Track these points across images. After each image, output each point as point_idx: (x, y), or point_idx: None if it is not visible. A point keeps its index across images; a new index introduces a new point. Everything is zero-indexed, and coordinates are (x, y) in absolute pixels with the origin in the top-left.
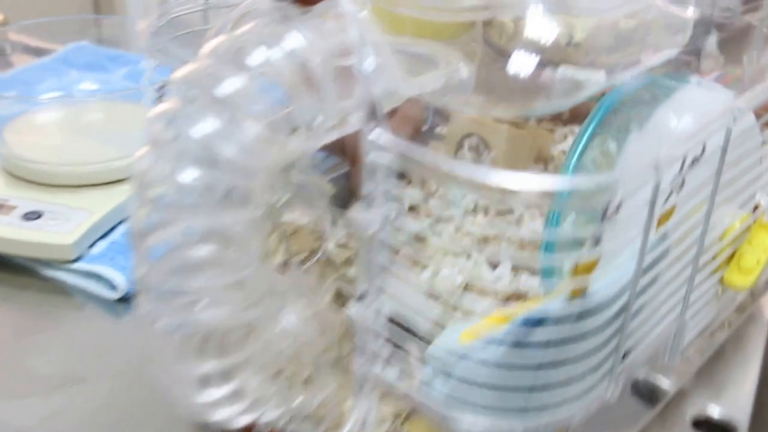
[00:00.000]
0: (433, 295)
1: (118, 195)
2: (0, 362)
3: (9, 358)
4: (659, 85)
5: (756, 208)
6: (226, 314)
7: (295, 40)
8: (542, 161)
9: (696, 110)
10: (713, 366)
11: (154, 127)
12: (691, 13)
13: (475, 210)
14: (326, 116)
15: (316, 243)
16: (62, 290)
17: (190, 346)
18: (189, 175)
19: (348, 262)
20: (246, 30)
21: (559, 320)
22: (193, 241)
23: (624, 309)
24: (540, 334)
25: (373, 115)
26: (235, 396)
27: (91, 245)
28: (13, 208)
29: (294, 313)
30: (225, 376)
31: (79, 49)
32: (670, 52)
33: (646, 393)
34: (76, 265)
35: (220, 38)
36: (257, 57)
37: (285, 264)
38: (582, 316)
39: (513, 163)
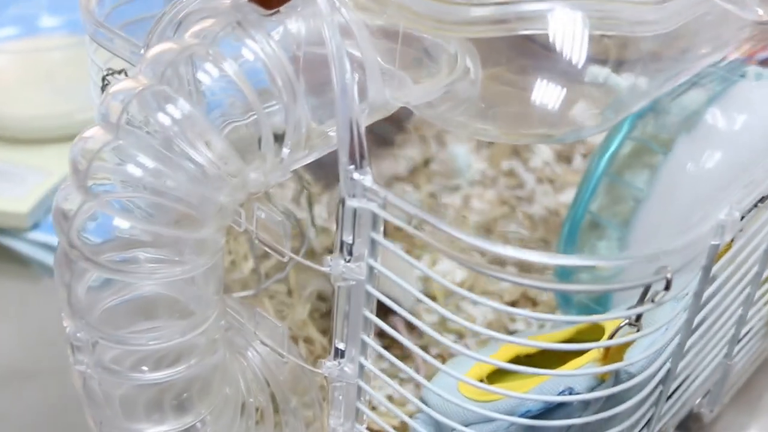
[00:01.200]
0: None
1: None
2: None
3: None
4: (713, 77)
5: None
6: (185, 369)
7: (256, 50)
8: None
9: (752, 112)
10: (748, 388)
11: (77, 152)
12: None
13: (482, 183)
14: (295, 146)
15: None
16: (18, 260)
17: (141, 404)
18: (122, 223)
19: (330, 249)
20: (196, 34)
21: (585, 404)
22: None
23: (663, 380)
24: (559, 417)
25: (354, 146)
26: None
27: (49, 211)
28: None
29: (259, 349)
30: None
31: None
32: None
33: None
34: (33, 235)
35: (166, 45)
36: (209, 73)
37: (254, 273)
38: (615, 397)
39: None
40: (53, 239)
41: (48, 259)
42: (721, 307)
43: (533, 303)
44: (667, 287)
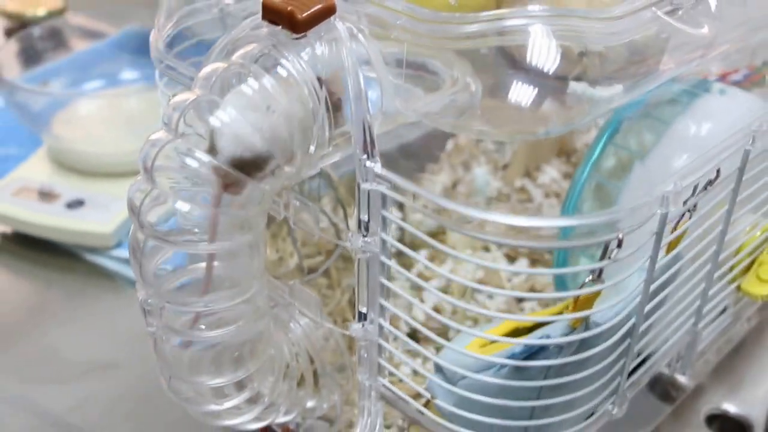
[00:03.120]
0: (449, 292)
1: None
2: (42, 347)
3: (50, 343)
4: (680, 91)
5: None
6: (234, 330)
7: (289, 67)
8: (564, 154)
9: (717, 120)
10: (731, 360)
11: (147, 152)
12: (706, 30)
13: (498, 199)
14: (320, 145)
15: (329, 244)
16: (104, 274)
17: (203, 361)
18: (183, 206)
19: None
20: (239, 56)
21: (559, 349)
22: (194, 260)
23: (630, 333)
24: (540, 361)
25: (366, 141)
26: (248, 403)
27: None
28: (57, 196)
29: (301, 321)
30: (239, 386)
31: (131, 34)
32: (690, 65)
33: (662, 390)
34: (117, 252)
35: (215, 65)
36: (251, 86)
37: (298, 268)
38: (584, 344)
39: (535, 156)
40: None
41: (130, 273)
42: (682, 277)
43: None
44: (619, 245)
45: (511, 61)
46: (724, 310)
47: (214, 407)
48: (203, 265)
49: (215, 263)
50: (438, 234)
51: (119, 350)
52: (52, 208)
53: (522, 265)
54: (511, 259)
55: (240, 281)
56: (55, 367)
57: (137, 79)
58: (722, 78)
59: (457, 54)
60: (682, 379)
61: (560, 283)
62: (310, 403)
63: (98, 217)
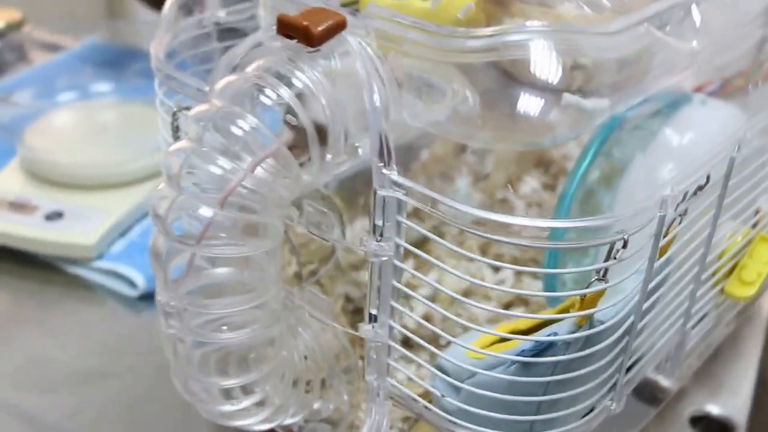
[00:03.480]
0: (437, 301)
1: (134, 196)
2: (27, 356)
3: (35, 353)
4: (663, 103)
5: (757, 212)
6: (249, 333)
7: (304, 79)
8: (543, 165)
9: (698, 130)
10: (711, 365)
11: (170, 163)
12: (694, 45)
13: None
14: (336, 152)
15: (324, 252)
16: (84, 286)
17: (218, 363)
18: (206, 211)
19: (354, 266)
20: (256, 68)
21: (567, 345)
22: (214, 265)
23: (628, 331)
24: (548, 357)
25: (383, 150)
26: (257, 406)
27: (110, 244)
28: (35, 208)
29: (309, 325)
30: (247, 389)
31: (93, 46)
32: (675, 80)
33: (648, 393)
34: (98, 264)
35: (232, 77)
36: (269, 97)
37: (297, 275)
38: (589, 340)
39: (515, 167)
40: (115, 267)
41: (111, 284)
42: (674, 277)
43: (525, 303)
44: (624, 245)
45: (503, 74)
46: (704, 316)
47: (227, 408)
48: (220, 270)
49: (233, 269)
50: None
51: (106, 360)
52: (31, 220)
53: (507, 274)
54: (495, 270)
55: (255, 287)
56: (44, 375)
57: (109, 92)
58: (698, 90)
59: (455, 68)
60: (666, 382)
61: (550, 286)
62: (316, 405)
63: (79, 228)
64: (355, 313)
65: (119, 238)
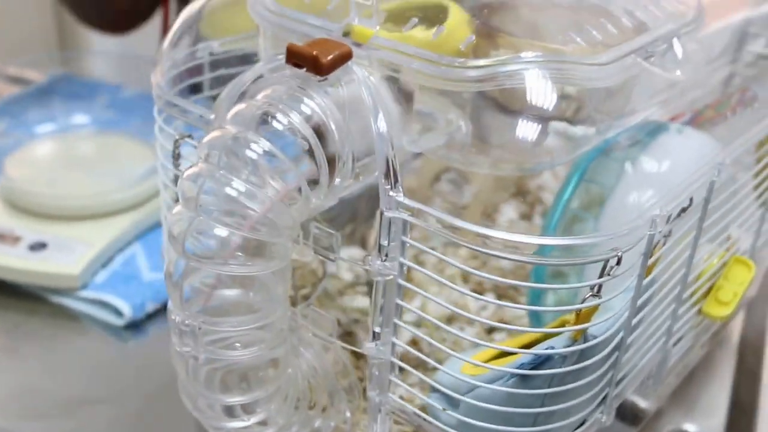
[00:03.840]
0: (422, 326)
1: (115, 226)
2: (16, 385)
3: (24, 382)
4: (642, 132)
5: (728, 239)
6: (256, 352)
7: (313, 105)
8: (520, 195)
9: (675, 157)
10: (687, 385)
11: (186, 186)
12: (678, 74)
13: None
14: (344, 176)
15: (315, 277)
16: (69, 315)
17: (217, 379)
18: (222, 231)
19: (340, 291)
20: (266, 96)
21: (563, 358)
22: (225, 285)
23: (618, 346)
24: (545, 370)
25: (390, 173)
26: (260, 425)
27: (94, 274)
28: (18, 239)
29: (311, 344)
30: (250, 408)
31: (60, 79)
32: (655, 110)
33: (628, 414)
34: (83, 293)
35: (243, 105)
36: (280, 123)
37: (291, 300)
38: (583, 354)
39: (492, 197)
40: (100, 296)
41: (96, 313)
42: (658, 296)
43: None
44: (618, 262)
45: (492, 103)
46: (682, 337)
47: (234, 425)
48: (229, 291)
49: (241, 289)
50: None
51: (95, 388)
52: (15, 251)
53: (490, 297)
54: (479, 292)
55: (261, 308)
56: (34, 403)
57: (86, 123)
58: (672, 120)
59: (450, 97)
60: (644, 403)
61: (534, 305)
62: (317, 423)
63: (64, 259)
64: (345, 336)
65: (102, 268)
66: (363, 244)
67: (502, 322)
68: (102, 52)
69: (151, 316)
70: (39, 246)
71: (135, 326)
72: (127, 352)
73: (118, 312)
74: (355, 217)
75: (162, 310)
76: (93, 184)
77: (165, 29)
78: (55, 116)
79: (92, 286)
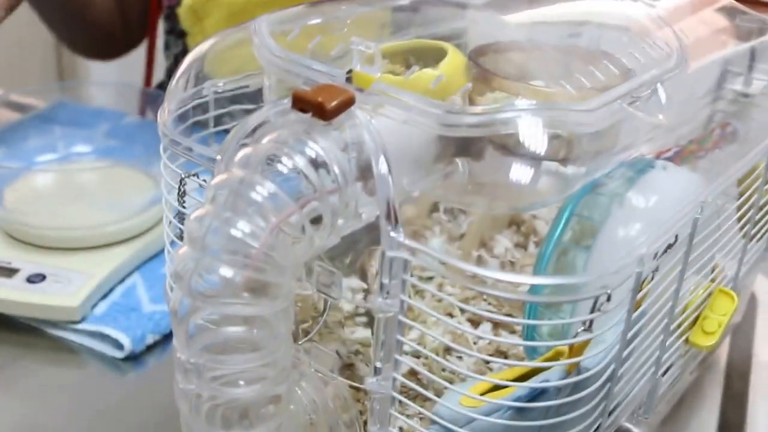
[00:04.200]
0: (420, 356)
1: (114, 257)
2: (14, 420)
3: (22, 416)
4: (629, 169)
5: (714, 269)
6: (259, 390)
7: (317, 149)
8: (515, 224)
9: (662, 193)
10: (677, 411)
11: (193, 227)
12: (660, 119)
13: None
14: (347, 217)
15: (315, 311)
16: (67, 349)
17: (218, 416)
18: (226, 272)
19: (340, 323)
20: (273, 139)
21: (558, 391)
22: (229, 323)
23: (610, 377)
24: (541, 403)
25: (390, 214)
26: None
27: (93, 306)
28: (16, 271)
29: (311, 379)
30: None
31: (61, 106)
32: (642, 149)
33: None
34: (82, 326)
35: (249, 149)
36: (285, 166)
37: (293, 335)
38: (576, 387)
39: (488, 227)
40: (100, 328)
41: (96, 345)
42: (647, 329)
43: (505, 356)
44: (608, 299)
45: (494, 144)
46: (671, 366)
47: None
48: (233, 329)
49: (244, 327)
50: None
51: (94, 422)
52: (12, 283)
53: (486, 329)
54: (475, 324)
55: (268, 344)
56: None
57: (87, 153)
58: (658, 156)
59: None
60: (638, 430)
61: (530, 338)
62: None
63: (62, 291)
64: (345, 369)
65: (101, 299)
66: (362, 274)
67: (498, 352)
68: (101, 82)
69: (150, 348)
70: (37, 278)
71: (135, 358)
72: (126, 384)
73: (118, 344)
74: (354, 246)
75: (162, 342)
76: (93, 214)
77: (150, 57)
78: (56, 145)
79: (91, 318)
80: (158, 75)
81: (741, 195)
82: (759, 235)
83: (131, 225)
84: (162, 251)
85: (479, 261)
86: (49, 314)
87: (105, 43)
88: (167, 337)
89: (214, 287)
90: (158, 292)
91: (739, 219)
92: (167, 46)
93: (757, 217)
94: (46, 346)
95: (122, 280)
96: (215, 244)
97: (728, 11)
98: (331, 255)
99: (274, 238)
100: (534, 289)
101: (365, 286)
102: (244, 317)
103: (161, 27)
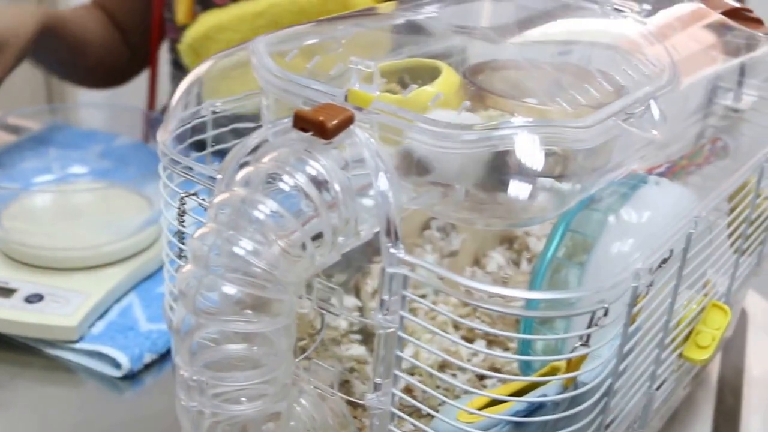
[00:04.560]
0: (414, 372)
1: (111, 277)
2: None
3: None
4: (624, 184)
5: (706, 285)
6: (260, 406)
7: (318, 167)
8: (507, 241)
9: (655, 208)
10: (670, 426)
11: (196, 246)
12: (653, 134)
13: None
14: (347, 234)
15: (312, 329)
16: (64, 368)
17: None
18: (229, 289)
19: (336, 341)
20: (274, 158)
21: (555, 405)
22: (230, 341)
23: (607, 392)
24: (539, 417)
25: (390, 231)
26: None
27: (90, 325)
28: (14, 291)
29: (309, 397)
30: None
31: (55, 128)
32: (635, 165)
33: None
34: (80, 345)
35: (251, 168)
36: (286, 184)
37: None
38: (574, 401)
39: (480, 244)
40: (98, 347)
41: (94, 365)
42: (642, 343)
43: (499, 371)
44: (606, 314)
45: (486, 162)
46: (665, 381)
47: None
48: (234, 345)
49: (246, 344)
50: None
51: None
52: (11, 303)
53: (480, 345)
54: (469, 340)
55: (266, 363)
56: None
57: (84, 174)
58: (650, 171)
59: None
60: None
61: (525, 353)
62: None
63: (61, 310)
64: (341, 386)
65: (98, 319)
66: (357, 292)
67: (493, 368)
68: (91, 103)
69: (148, 367)
70: (35, 298)
71: (132, 377)
72: (124, 403)
73: (115, 363)
74: (349, 265)
75: (159, 361)
76: (89, 235)
77: (152, 82)
78: (51, 166)
79: (89, 337)
80: (161, 99)
81: (732, 210)
82: (750, 250)
83: (127, 245)
84: (158, 271)
85: (473, 278)
86: (47, 334)
87: (110, 76)
88: (164, 356)
89: (217, 305)
90: (155, 311)
91: (731, 234)
92: (173, 77)
93: (749, 231)
94: (44, 366)
95: (119, 300)
96: (218, 262)
97: (717, 27)
98: (326, 274)
99: (275, 257)
100: (530, 304)
101: (360, 304)
102: (245, 335)
103: (167, 57)
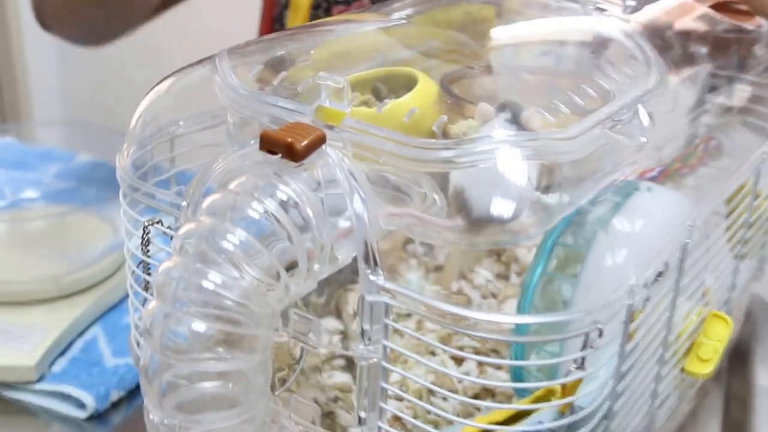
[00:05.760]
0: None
1: (71, 310)
2: None
3: None
4: (615, 193)
5: (704, 294)
6: None
7: (289, 192)
8: (494, 254)
9: (648, 216)
10: None
11: (161, 281)
12: (643, 141)
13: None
14: (323, 261)
15: (291, 359)
16: (25, 411)
17: None
18: (198, 326)
19: (317, 368)
20: (241, 183)
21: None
22: (203, 379)
23: (606, 415)
24: None
25: (368, 256)
26: None
27: (51, 363)
28: None
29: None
30: None
31: (5, 147)
32: (626, 171)
33: None
34: (40, 386)
35: (217, 195)
36: (256, 211)
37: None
38: (572, 426)
39: (467, 257)
40: (60, 387)
41: (55, 406)
42: (641, 361)
43: (492, 394)
44: (600, 335)
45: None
46: (666, 399)
47: None
48: (208, 384)
49: (219, 382)
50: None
51: None
52: None
53: (471, 366)
54: (458, 361)
55: (245, 399)
56: None
57: (37, 198)
58: (642, 175)
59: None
60: None
61: (518, 377)
62: None
63: (17, 349)
64: (325, 417)
65: (60, 356)
66: (338, 312)
67: (485, 390)
68: (48, 121)
69: (115, 405)
70: None
71: (98, 417)
72: None
73: (80, 403)
74: (329, 283)
75: (128, 398)
76: (46, 265)
77: None
78: (2, 191)
79: (50, 377)
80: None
81: (730, 213)
82: (750, 254)
83: (89, 274)
84: (123, 300)
85: (459, 294)
86: (4, 375)
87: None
88: (133, 393)
89: (186, 342)
90: (121, 344)
91: (729, 238)
92: None
93: (748, 235)
94: (2, 410)
95: (82, 334)
96: (185, 297)
97: (707, 20)
98: (305, 295)
99: (246, 289)
100: (520, 328)
101: (341, 327)
102: (219, 372)
103: None
